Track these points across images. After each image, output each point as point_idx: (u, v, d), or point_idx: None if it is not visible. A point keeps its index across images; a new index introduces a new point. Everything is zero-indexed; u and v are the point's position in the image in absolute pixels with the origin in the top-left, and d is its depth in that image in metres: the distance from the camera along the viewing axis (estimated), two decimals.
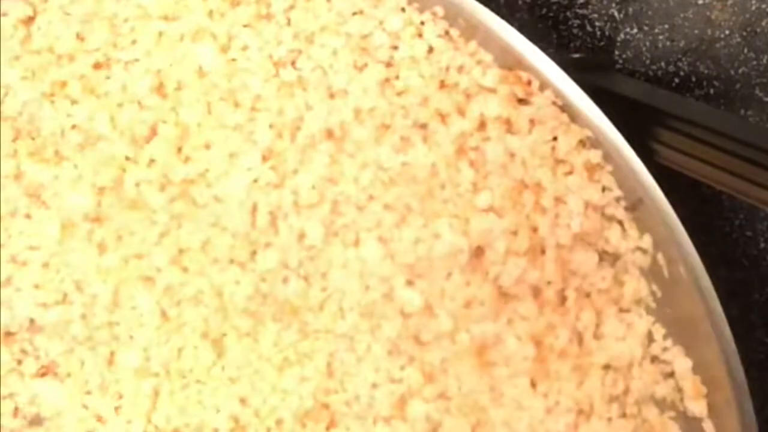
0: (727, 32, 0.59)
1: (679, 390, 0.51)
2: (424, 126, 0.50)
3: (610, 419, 0.51)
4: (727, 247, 0.61)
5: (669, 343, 0.51)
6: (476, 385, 0.50)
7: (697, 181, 0.59)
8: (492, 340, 0.50)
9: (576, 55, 0.58)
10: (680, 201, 0.60)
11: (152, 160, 0.49)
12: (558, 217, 0.50)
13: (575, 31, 0.58)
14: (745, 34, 0.59)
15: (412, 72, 0.50)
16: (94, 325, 0.49)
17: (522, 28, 0.57)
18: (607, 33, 0.59)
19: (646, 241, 0.50)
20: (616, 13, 0.58)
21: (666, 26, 0.59)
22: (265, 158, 0.49)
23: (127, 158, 0.49)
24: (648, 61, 0.59)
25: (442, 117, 0.50)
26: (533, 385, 0.51)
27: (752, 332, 0.62)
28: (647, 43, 0.59)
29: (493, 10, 0.56)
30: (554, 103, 0.49)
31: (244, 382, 0.49)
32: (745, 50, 0.59)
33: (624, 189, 0.50)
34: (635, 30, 0.59)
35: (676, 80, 0.59)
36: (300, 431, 0.50)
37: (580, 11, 0.58)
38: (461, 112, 0.50)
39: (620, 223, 0.51)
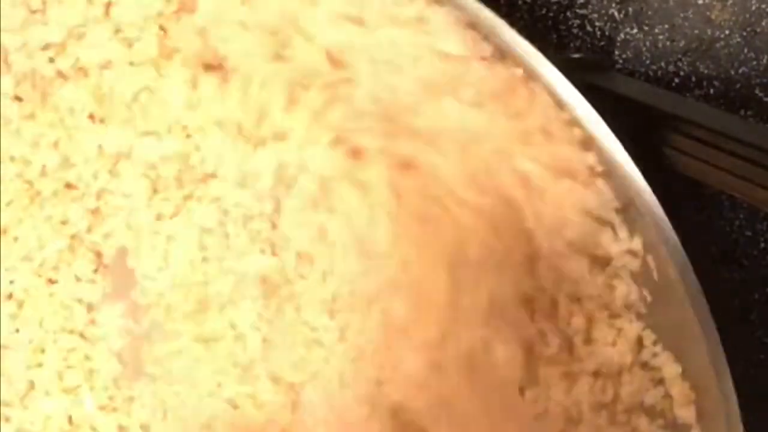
0: (727, 32, 0.59)
1: (669, 397, 0.50)
2: None
3: (599, 427, 0.50)
4: (727, 247, 0.61)
5: (659, 348, 0.50)
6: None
7: (696, 181, 0.59)
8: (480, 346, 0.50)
9: (576, 55, 0.58)
10: (680, 201, 0.60)
11: None
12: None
13: (575, 31, 0.58)
14: (745, 34, 0.59)
15: None
16: None
17: (522, 29, 0.56)
18: (606, 33, 0.58)
19: (637, 244, 0.49)
20: (615, 13, 0.58)
21: (666, 26, 0.59)
22: None
23: None
24: (648, 61, 0.59)
25: None
26: (521, 391, 0.50)
27: (752, 333, 0.62)
28: (647, 43, 0.59)
29: (492, 9, 0.56)
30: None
31: None
32: (746, 50, 0.59)
33: (615, 191, 0.49)
34: (635, 30, 0.59)
35: (676, 80, 0.59)
36: None
37: (579, 11, 0.58)
38: None
39: (611, 226, 0.49)
